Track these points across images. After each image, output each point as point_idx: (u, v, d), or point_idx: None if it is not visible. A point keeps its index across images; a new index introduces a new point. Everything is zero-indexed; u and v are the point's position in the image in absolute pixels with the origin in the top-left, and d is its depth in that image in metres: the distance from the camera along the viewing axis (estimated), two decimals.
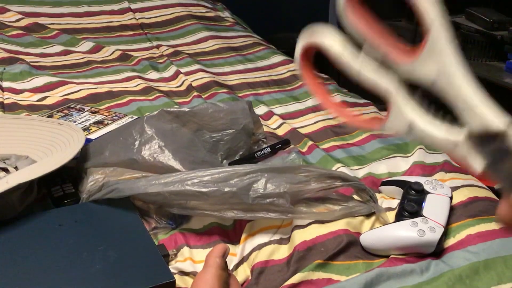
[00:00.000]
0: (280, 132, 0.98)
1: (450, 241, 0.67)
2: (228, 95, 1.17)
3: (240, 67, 1.38)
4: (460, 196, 0.75)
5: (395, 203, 0.75)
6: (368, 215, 0.71)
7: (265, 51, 1.51)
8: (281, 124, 1.02)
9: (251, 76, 1.32)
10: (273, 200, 0.66)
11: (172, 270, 0.65)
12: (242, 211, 0.67)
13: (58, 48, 1.42)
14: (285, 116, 1.07)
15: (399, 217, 0.68)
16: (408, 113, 0.36)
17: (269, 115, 1.07)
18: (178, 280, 0.63)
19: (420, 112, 0.36)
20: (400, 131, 0.36)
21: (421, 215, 0.67)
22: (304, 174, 0.70)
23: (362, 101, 1.16)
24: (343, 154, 0.89)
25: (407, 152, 0.88)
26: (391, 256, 0.65)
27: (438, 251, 0.65)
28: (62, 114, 0.98)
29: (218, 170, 0.67)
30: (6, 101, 1.07)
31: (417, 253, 0.65)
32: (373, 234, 0.67)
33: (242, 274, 0.65)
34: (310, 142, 0.92)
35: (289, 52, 1.55)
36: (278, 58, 1.45)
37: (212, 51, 1.50)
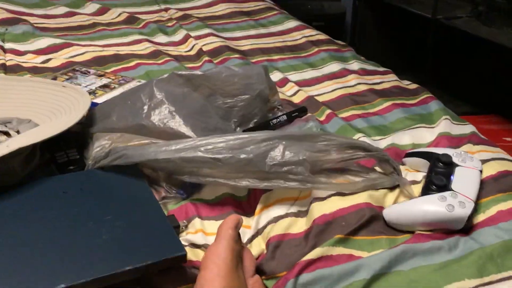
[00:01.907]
0: (296, 99, 0.93)
1: (480, 217, 0.63)
2: (241, 61, 1.11)
3: (252, 32, 1.32)
4: (489, 170, 0.70)
5: (420, 176, 0.70)
6: (392, 188, 0.67)
7: (278, 16, 1.45)
8: (297, 91, 0.96)
9: (264, 42, 1.25)
10: (291, 168, 0.62)
11: (183, 243, 0.61)
12: (257, 179, 0.63)
13: (63, 10, 1.36)
14: (301, 83, 1.01)
15: (426, 191, 0.64)
16: None
17: (284, 81, 1.01)
18: (189, 252, 0.59)
19: None
20: None
21: (450, 189, 0.63)
22: (324, 143, 0.65)
23: (382, 69, 1.11)
24: (363, 124, 0.84)
25: (432, 122, 0.83)
26: (417, 232, 0.61)
27: (467, 227, 0.61)
28: (67, 77, 0.93)
29: (234, 137, 0.62)
30: (8, 63, 1.03)
31: (444, 230, 0.61)
32: (397, 208, 0.63)
33: (257, 247, 0.61)
34: (328, 111, 0.87)
35: (301, 18, 1.48)
36: (292, 23, 1.39)
37: (223, 15, 1.43)
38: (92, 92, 0.86)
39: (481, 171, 0.68)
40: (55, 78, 0.92)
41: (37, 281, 0.49)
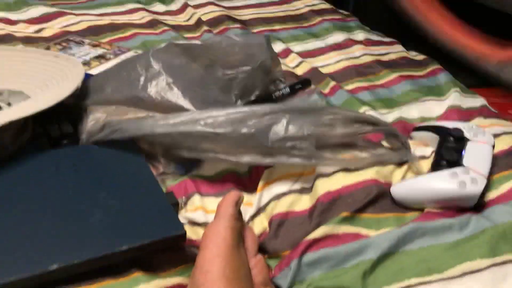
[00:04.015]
0: (299, 71, 0.89)
1: (492, 194, 0.60)
2: (242, 31, 1.07)
3: (253, 1, 1.27)
4: (501, 144, 0.67)
5: (429, 151, 0.67)
6: (399, 164, 0.64)
7: None
8: (300, 62, 0.93)
9: (266, 11, 1.21)
10: (295, 143, 0.59)
11: (182, 220, 0.59)
12: (260, 155, 0.60)
13: None
14: (304, 54, 0.97)
15: (436, 167, 0.61)
16: None
17: (286, 52, 0.97)
18: (189, 231, 0.57)
19: None
20: None
21: (462, 165, 0.60)
22: (330, 116, 0.62)
23: (388, 39, 1.07)
24: (369, 96, 0.81)
25: (441, 95, 0.80)
26: (426, 209, 0.59)
27: (478, 205, 0.58)
28: (60, 47, 0.89)
29: (234, 110, 0.59)
30: None
31: (455, 207, 0.58)
32: (406, 185, 0.60)
33: (259, 225, 0.59)
34: (333, 83, 0.84)
35: None
36: None
37: None
38: (86, 63, 0.82)
39: (493, 146, 0.65)
40: (48, 48, 0.89)
41: (28, 262, 0.47)
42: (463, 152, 0.62)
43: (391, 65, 0.92)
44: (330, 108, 0.64)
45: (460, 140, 0.63)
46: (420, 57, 0.97)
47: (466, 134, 0.64)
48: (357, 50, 0.99)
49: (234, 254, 0.49)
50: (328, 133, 0.61)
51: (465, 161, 0.60)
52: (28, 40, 0.97)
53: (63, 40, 0.93)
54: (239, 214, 0.53)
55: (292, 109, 0.61)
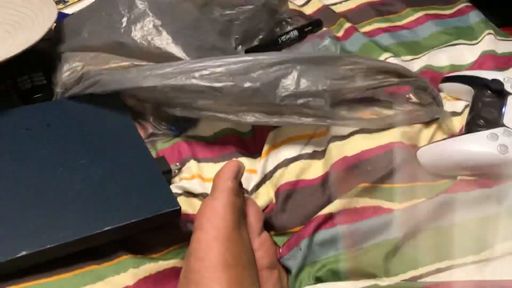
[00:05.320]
0: (308, 10, 0.78)
1: None
2: None
3: None
4: None
5: (460, 106, 0.58)
6: (428, 123, 0.55)
7: None
8: (309, 0, 0.81)
9: None
10: (307, 100, 0.50)
11: (176, 190, 0.51)
12: (266, 114, 0.51)
13: None
14: None
15: (472, 127, 0.52)
16: None
17: None
18: (184, 203, 0.49)
19: None
20: None
21: (502, 125, 0.51)
22: (348, 67, 0.53)
23: None
24: (390, 40, 0.70)
25: (472, 38, 0.70)
26: (459, 178, 0.50)
27: None
28: None
29: (235, 59, 0.50)
30: None
31: (493, 174, 0.50)
32: (436, 149, 0.52)
33: (264, 196, 0.51)
34: (348, 24, 0.73)
35: None
36: None
37: None
38: (61, 1, 0.71)
39: None
40: None
41: None
42: (503, 109, 0.53)
43: (414, 2, 0.80)
44: (349, 56, 0.54)
45: (499, 94, 0.54)
46: None
47: (507, 87, 0.55)
48: None
49: (235, 235, 0.42)
50: (346, 87, 0.52)
51: (506, 120, 0.52)
52: None
53: None
54: (239, 188, 0.45)
55: (304, 59, 0.51)
